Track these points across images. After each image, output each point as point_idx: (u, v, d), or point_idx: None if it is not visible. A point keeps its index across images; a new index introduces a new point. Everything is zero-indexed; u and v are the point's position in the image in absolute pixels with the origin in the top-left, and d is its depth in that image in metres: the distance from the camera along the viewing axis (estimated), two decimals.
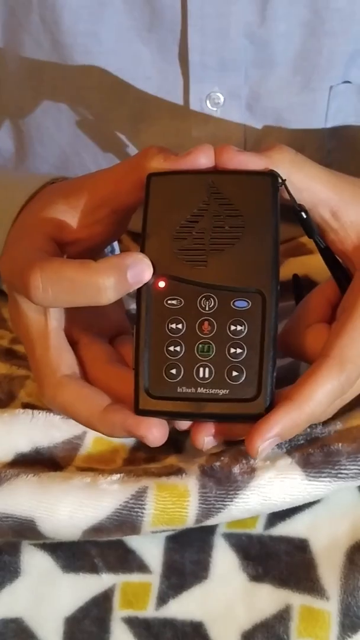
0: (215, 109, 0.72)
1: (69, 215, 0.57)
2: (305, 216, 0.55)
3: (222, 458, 0.55)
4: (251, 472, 0.54)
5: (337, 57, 0.70)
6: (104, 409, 0.54)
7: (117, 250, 0.65)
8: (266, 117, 0.72)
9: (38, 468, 0.57)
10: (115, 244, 0.65)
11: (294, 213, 0.55)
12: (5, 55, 0.73)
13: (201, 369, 0.53)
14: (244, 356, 0.53)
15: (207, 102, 0.72)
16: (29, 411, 0.59)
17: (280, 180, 0.54)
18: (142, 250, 0.54)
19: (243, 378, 0.53)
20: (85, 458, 0.59)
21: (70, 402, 0.54)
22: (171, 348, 0.53)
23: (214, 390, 0.53)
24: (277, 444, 0.55)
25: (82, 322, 0.58)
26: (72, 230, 0.57)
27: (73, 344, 0.57)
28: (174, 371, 0.53)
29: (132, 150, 0.74)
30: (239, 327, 0.53)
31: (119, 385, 0.55)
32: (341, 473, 0.54)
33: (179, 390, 0.53)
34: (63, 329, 0.56)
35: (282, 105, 0.72)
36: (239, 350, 0.53)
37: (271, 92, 0.71)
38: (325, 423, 0.56)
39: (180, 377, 0.53)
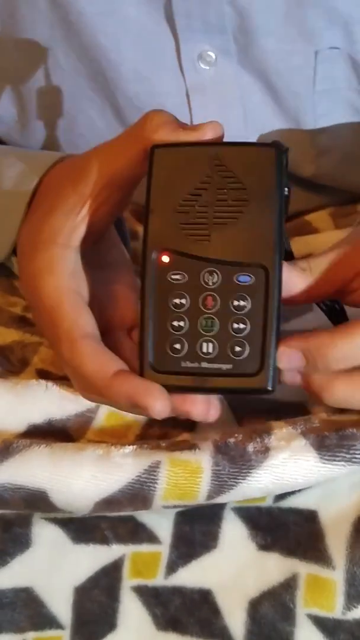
0: (208, 67, 0.73)
1: (79, 207, 0.57)
2: (287, 193, 0.54)
3: (237, 435, 0.55)
4: (265, 451, 0.54)
5: (320, 25, 0.70)
6: (114, 372, 0.53)
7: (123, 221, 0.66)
8: (259, 73, 0.73)
9: (50, 440, 0.57)
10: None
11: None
12: (4, 21, 0.73)
13: (204, 344, 0.53)
14: (247, 331, 0.53)
15: (199, 62, 0.72)
16: (43, 383, 0.59)
17: (285, 151, 0.54)
18: (146, 225, 0.54)
19: (246, 353, 0.53)
20: (97, 432, 0.59)
21: (83, 362, 0.54)
22: (175, 323, 0.53)
23: (217, 365, 0.53)
24: (292, 425, 0.55)
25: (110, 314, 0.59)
26: (85, 225, 0.57)
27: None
28: (177, 346, 0.53)
29: (131, 112, 0.75)
30: (242, 303, 0.53)
31: None
32: (355, 457, 0.54)
33: (182, 365, 0.53)
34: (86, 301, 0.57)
35: (270, 70, 0.72)
36: (242, 326, 0.53)
37: (258, 58, 0.72)
38: (342, 411, 0.57)
39: (184, 352, 0.53)
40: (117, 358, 0.55)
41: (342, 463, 0.54)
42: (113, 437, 0.59)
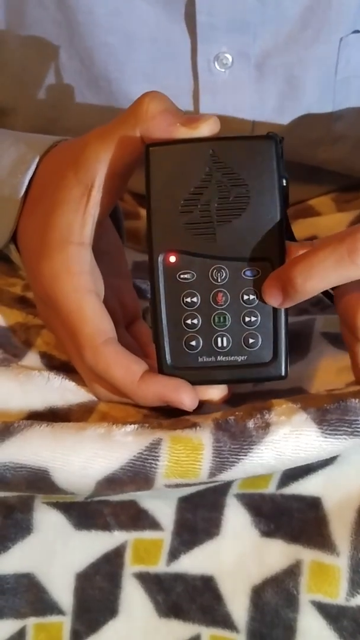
0: (223, 70, 0.72)
1: (85, 199, 0.57)
2: (285, 183, 0.55)
3: (237, 412, 0.55)
4: (266, 427, 0.54)
5: (346, 8, 0.70)
6: (141, 376, 0.56)
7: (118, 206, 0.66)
8: (276, 75, 0.72)
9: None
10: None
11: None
12: (10, 18, 0.73)
13: (219, 339, 0.56)
14: (258, 323, 0.55)
15: (215, 63, 0.72)
16: (45, 374, 0.60)
17: (280, 142, 0.55)
18: (149, 226, 0.55)
19: (259, 344, 0.56)
20: (99, 419, 0.59)
21: (109, 367, 0.56)
22: (188, 321, 0.56)
23: (233, 357, 0.56)
24: (293, 400, 0.55)
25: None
26: (92, 219, 0.57)
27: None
28: (193, 343, 0.56)
29: None
30: (251, 296, 0.55)
31: None
32: (357, 431, 0.53)
33: (200, 360, 0.56)
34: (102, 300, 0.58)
35: (292, 61, 0.72)
36: (253, 318, 0.55)
37: (281, 49, 0.71)
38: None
39: (200, 347, 0.56)
40: (138, 359, 0.57)
41: (344, 437, 0.54)
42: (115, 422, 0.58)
